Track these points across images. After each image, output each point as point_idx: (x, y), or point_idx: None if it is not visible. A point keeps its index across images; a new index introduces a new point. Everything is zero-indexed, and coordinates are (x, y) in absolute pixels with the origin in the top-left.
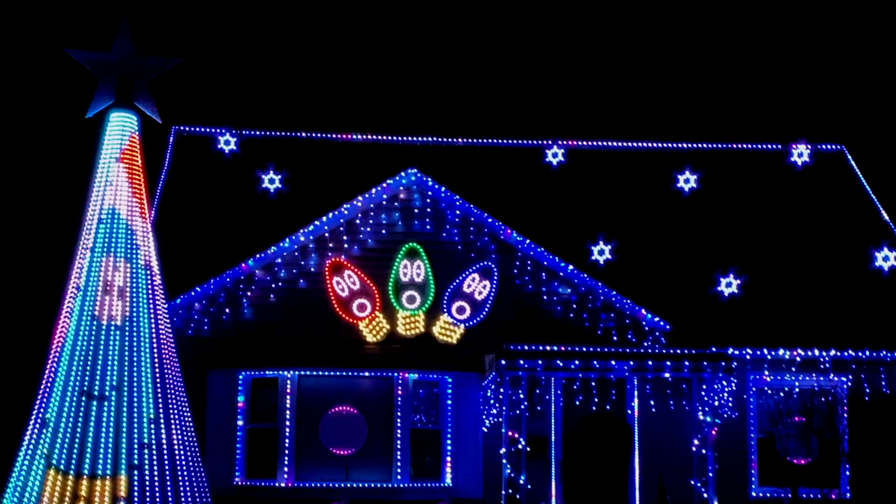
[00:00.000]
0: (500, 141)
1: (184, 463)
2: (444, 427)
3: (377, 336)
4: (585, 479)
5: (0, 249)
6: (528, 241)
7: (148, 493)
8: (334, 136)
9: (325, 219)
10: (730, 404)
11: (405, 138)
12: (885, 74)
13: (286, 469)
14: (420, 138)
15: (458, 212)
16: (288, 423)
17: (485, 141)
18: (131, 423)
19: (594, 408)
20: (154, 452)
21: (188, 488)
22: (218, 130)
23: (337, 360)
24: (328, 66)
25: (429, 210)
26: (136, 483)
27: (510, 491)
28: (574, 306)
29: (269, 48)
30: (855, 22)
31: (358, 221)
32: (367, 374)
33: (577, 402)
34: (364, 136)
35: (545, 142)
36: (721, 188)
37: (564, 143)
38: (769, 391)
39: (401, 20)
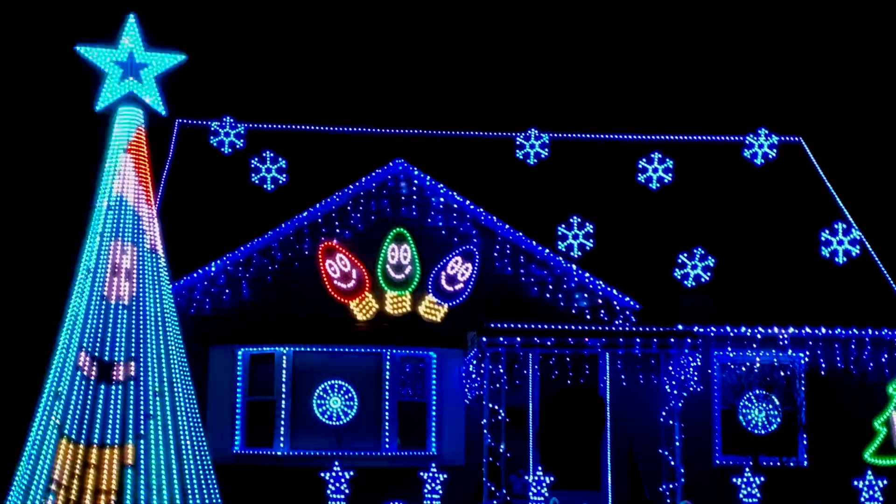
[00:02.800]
0: (480, 133)
1: (187, 432)
2: (430, 400)
3: (367, 315)
4: (561, 447)
5: (15, 235)
6: (507, 226)
7: (153, 461)
8: (328, 128)
9: (318, 205)
10: (695, 378)
11: (393, 130)
12: (840, 69)
13: (282, 438)
14: (406, 130)
15: (441, 199)
16: (284, 395)
17: (466, 133)
18: (138, 395)
19: (569, 382)
20: (159, 423)
21: (191, 456)
22: (219, 123)
23: (329, 337)
24: (321, 61)
25: (415, 197)
26: (142, 451)
27: (491, 459)
28: (550, 287)
29: (265, 45)
30: (810, 22)
31: (349, 208)
32: (357, 350)
33: (553, 377)
34: (355, 128)
35: (524, 133)
36: (689, 177)
37: (542, 134)
38: (732, 366)
39: (391, 17)
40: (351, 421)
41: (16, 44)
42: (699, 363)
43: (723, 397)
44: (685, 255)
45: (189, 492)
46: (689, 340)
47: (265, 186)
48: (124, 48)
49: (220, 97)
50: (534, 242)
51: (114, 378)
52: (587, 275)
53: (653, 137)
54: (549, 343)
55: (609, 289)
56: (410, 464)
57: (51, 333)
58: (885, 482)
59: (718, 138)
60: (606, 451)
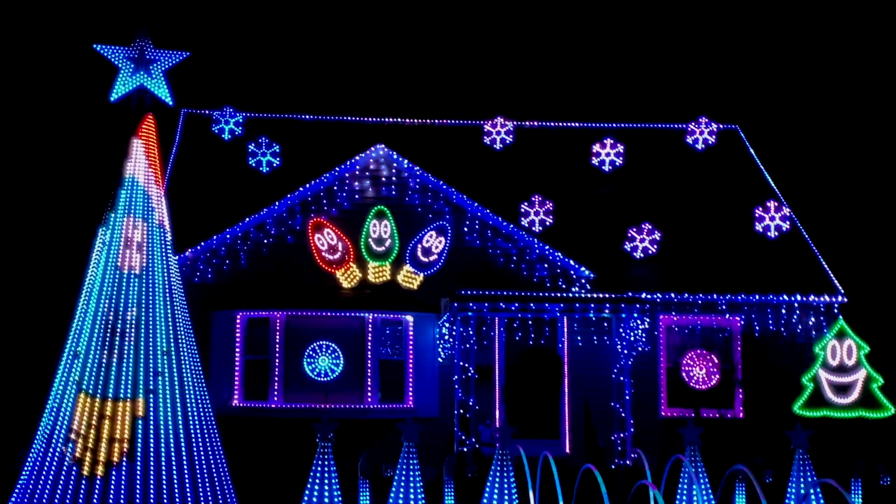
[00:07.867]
0: (452, 121)
1: (191, 388)
2: (407, 358)
3: (351, 283)
4: (523, 401)
5: (38, 213)
6: (476, 204)
7: (161, 413)
8: (317, 116)
9: (308, 186)
10: (643, 339)
11: (375, 119)
12: (773, 64)
13: (276, 393)
14: (387, 119)
15: (418, 180)
16: (277, 355)
17: (440, 121)
18: (148, 354)
19: (531, 342)
20: (167, 379)
21: (195, 409)
22: (220, 112)
23: (318, 302)
24: (313, 57)
25: (394, 178)
26: (151, 404)
27: (461, 411)
28: (514, 258)
29: (263, 43)
30: (747, 21)
31: (335, 188)
32: (343, 314)
33: (517, 338)
34: (341, 117)
35: (491, 121)
36: (637, 160)
37: (507, 122)
38: (676, 328)
39: (381, 18)
40: (337, 377)
41: (39, 44)
42: (647, 326)
43: (668, 356)
44: (634, 229)
45: (193, 441)
46: (637, 306)
47: (261, 169)
48: (137, 47)
49: (221, 89)
50: (500, 218)
51: (126, 339)
52: (547, 247)
53: (605, 125)
54: (513, 308)
55: (567, 260)
56: (390, 416)
57: (70, 300)
58: (811, 432)
59: (664, 126)
60: (564, 404)
